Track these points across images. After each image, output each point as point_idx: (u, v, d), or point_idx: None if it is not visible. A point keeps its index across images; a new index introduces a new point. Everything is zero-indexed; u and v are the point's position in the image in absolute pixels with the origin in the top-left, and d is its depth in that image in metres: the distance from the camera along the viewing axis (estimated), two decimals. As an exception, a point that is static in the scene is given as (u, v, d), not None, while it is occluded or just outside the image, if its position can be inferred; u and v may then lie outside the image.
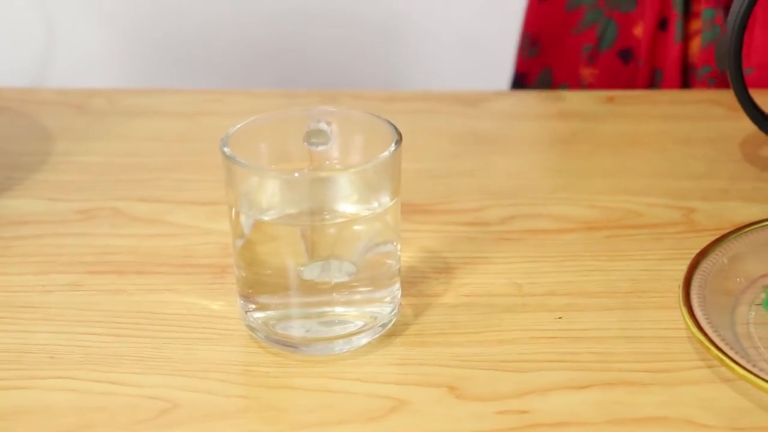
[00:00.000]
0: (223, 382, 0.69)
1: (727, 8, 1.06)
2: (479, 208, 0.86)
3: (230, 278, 0.77)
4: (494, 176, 0.90)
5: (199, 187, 0.89)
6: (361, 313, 0.72)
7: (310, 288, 0.70)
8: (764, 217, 0.80)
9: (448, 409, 0.67)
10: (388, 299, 0.72)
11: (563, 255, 0.80)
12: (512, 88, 1.17)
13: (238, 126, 0.72)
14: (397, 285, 0.73)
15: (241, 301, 0.73)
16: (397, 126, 0.71)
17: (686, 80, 1.10)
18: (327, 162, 0.73)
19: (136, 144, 0.96)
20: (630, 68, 1.11)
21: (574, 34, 1.12)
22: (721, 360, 0.67)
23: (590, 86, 1.13)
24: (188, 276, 0.79)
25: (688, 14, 1.07)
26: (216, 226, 0.84)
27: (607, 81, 1.12)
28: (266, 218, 0.71)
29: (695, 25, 1.08)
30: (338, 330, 0.71)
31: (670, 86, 1.09)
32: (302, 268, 0.70)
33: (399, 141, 0.70)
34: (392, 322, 0.73)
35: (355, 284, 0.71)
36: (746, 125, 0.91)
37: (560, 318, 0.74)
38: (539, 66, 1.15)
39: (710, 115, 0.98)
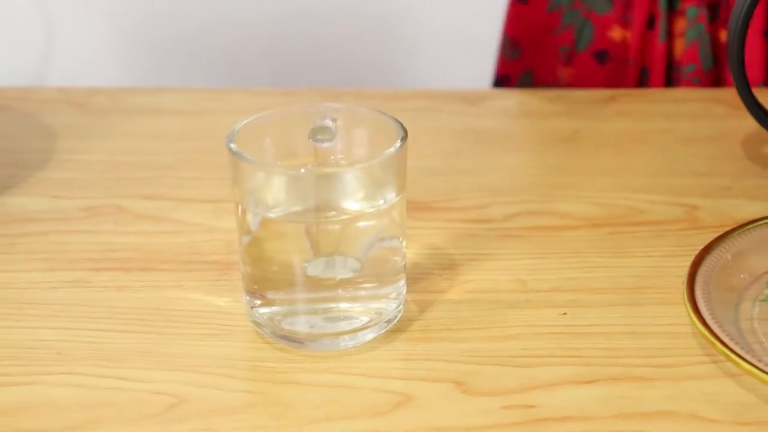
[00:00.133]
0: (230, 378, 0.69)
1: (710, 7, 1.06)
2: (482, 205, 0.86)
3: (235, 275, 0.77)
4: (496, 174, 0.91)
5: (203, 185, 0.89)
6: (366, 309, 0.72)
7: (315, 284, 0.70)
8: (767, 214, 0.81)
9: (455, 404, 0.67)
10: (393, 295, 0.73)
11: (567, 252, 0.80)
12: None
13: (244, 123, 0.72)
14: (403, 281, 0.73)
15: (247, 297, 0.73)
16: (400, 124, 0.72)
17: (670, 79, 1.10)
18: (332, 158, 0.73)
19: (138, 142, 0.96)
20: (606, 69, 1.11)
21: (554, 35, 1.12)
22: (726, 355, 0.67)
23: (567, 87, 1.12)
24: (194, 273, 0.79)
25: (673, 13, 1.08)
26: (220, 224, 0.84)
27: (583, 81, 1.12)
28: (272, 215, 0.71)
29: (680, 23, 1.08)
30: (343, 326, 0.71)
31: (656, 85, 1.09)
32: (307, 264, 0.70)
33: (405, 137, 0.70)
34: (397, 318, 0.73)
35: (360, 280, 0.71)
36: (747, 123, 0.92)
37: (565, 314, 0.74)
38: (520, 68, 1.15)
39: (712, 114, 0.98)
